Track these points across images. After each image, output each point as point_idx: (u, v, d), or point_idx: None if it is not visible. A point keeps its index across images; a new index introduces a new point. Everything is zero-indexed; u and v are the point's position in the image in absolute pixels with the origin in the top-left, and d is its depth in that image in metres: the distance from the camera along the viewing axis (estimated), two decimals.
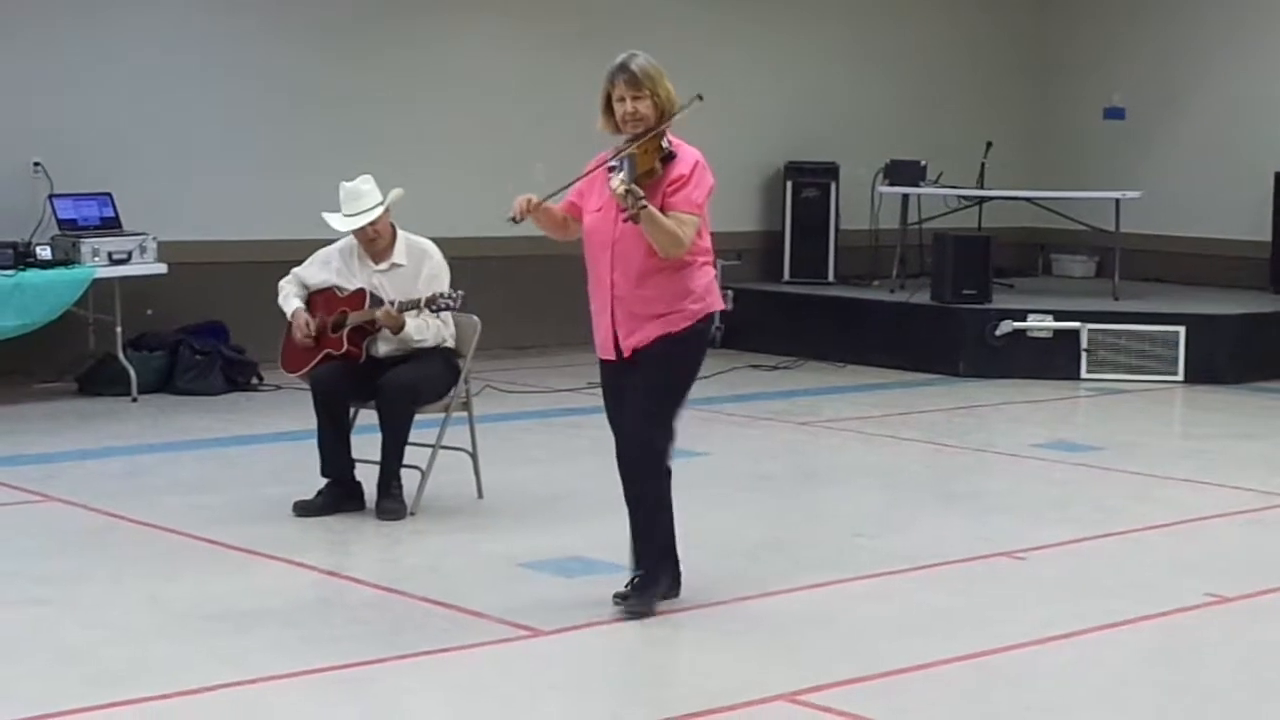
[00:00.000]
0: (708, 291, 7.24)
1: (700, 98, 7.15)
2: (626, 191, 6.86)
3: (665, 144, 7.11)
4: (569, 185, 7.44)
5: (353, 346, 8.98)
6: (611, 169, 7.08)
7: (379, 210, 8.96)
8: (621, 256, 7.14)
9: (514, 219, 7.27)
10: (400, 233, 9.18)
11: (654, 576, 7.22)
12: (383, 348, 9.03)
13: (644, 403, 7.19)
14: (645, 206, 6.89)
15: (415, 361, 9.00)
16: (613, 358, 7.27)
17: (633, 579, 7.24)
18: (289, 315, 9.16)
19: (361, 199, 8.98)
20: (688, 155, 7.17)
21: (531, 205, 7.25)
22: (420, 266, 9.09)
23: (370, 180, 9.05)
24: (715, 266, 7.41)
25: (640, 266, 7.11)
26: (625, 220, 6.96)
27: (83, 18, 13.43)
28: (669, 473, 7.26)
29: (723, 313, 8.38)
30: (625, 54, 7.19)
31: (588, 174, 7.33)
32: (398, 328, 8.89)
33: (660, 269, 7.10)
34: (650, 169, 7.05)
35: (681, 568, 7.41)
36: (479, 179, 14.91)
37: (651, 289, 7.12)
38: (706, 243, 7.26)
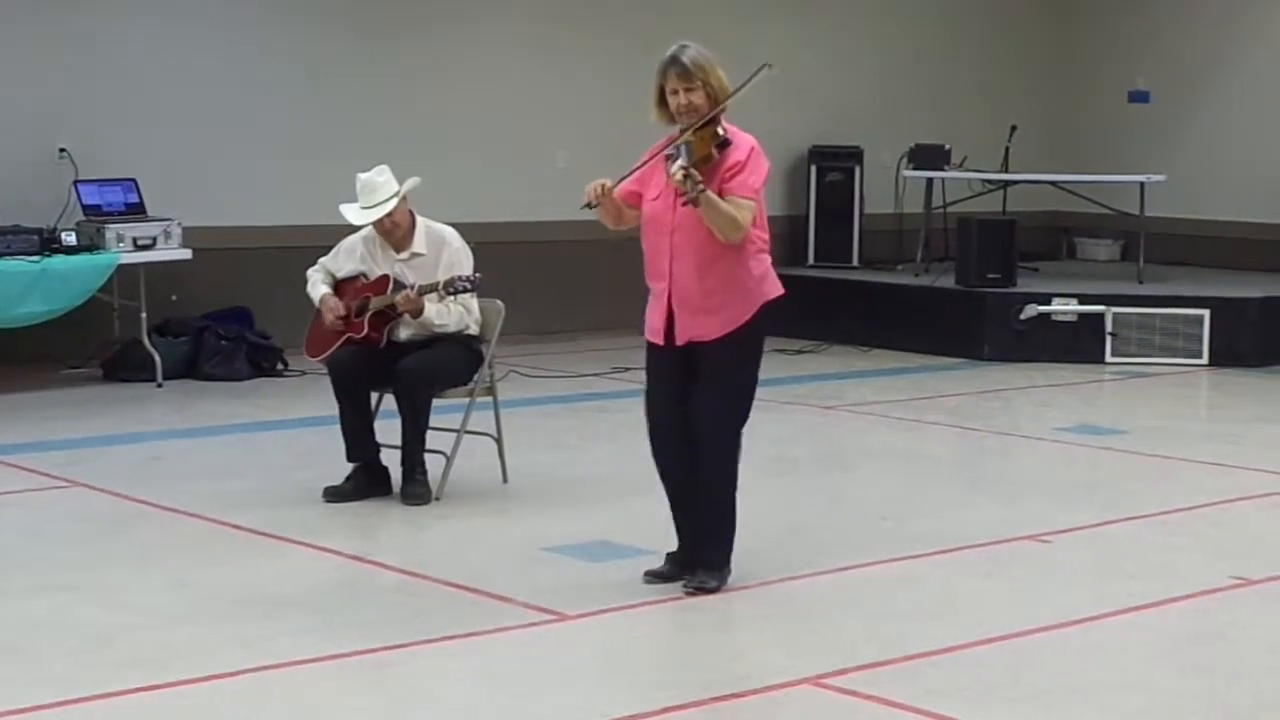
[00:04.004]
0: (764, 279, 7.30)
1: (770, 66, 7.21)
2: (685, 176, 6.92)
3: (720, 131, 7.19)
4: (636, 169, 7.44)
5: (373, 331, 8.98)
6: (669, 157, 7.14)
7: (394, 202, 8.92)
8: (680, 246, 7.20)
9: (589, 204, 7.29)
10: (420, 221, 9.16)
11: (720, 565, 7.40)
12: (404, 333, 9.03)
13: (717, 409, 7.29)
14: (704, 190, 6.95)
15: (434, 347, 9.00)
16: (661, 342, 7.32)
17: (669, 564, 7.44)
18: (316, 301, 9.16)
19: (377, 191, 8.94)
20: (743, 142, 7.25)
21: (606, 190, 7.27)
22: (440, 254, 9.08)
23: (386, 171, 9.01)
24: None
25: (699, 256, 7.17)
26: (684, 204, 7.03)
27: (107, 5, 13.45)
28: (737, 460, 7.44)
29: None
30: (676, 46, 7.26)
31: (647, 162, 7.39)
32: (417, 311, 8.88)
33: (718, 258, 7.15)
34: (707, 154, 7.12)
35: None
36: (503, 165, 14.94)
37: (711, 279, 7.18)
38: (763, 231, 7.30)
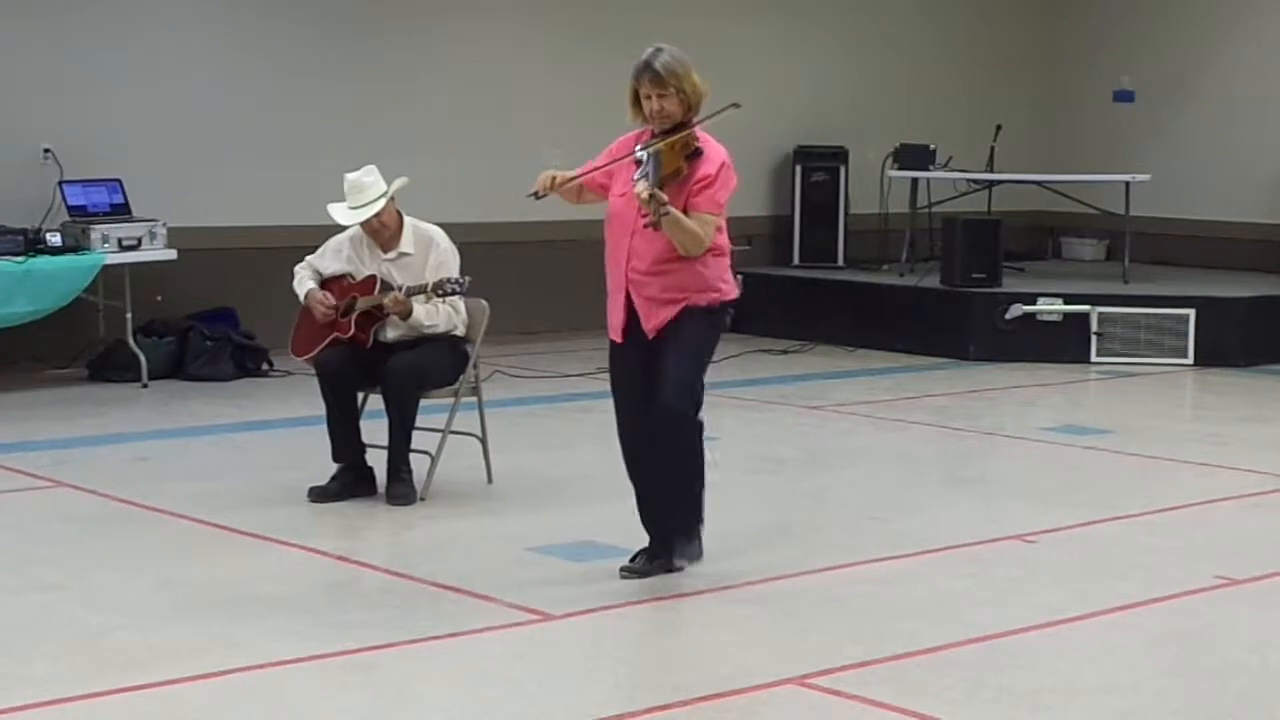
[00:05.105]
0: (722, 280, 7.35)
1: (737, 105, 7.22)
2: (650, 197, 6.93)
3: (692, 140, 7.18)
4: (604, 165, 7.48)
5: (359, 331, 8.98)
6: (637, 162, 7.13)
7: (382, 203, 8.91)
8: (638, 249, 7.25)
9: (536, 194, 7.39)
10: (408, 220, 9.16)
11: (688, 532, 7.44)
12: (391, 333, 9.03)
13: (676, 368, 7.27)
14: (668, 213, 6.96)
15: (421, 347, 9.00)
16: (620, 339, 7.37)
17: (650, 546, 7.49)
18: (302, 297, 9.14)
19: (365, 191, 8.93)
20: (715, 155, 7.25)
21: (554, 183, 7.37)
22: (428, 254, 9.07)
23: (374, 171, 9.01)
24: (731, 258, 7.48)
25: (657, 258, 7.22)
26: (646, 225, 7.03)
27: (93, 5, 13.43)
28: (700, 426, 7.39)
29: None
30: (651, 50, 7.25)
31: (618, 160, 7.40)
32: (405, 313, 8.89)
33: (675, 257, 7.19)
34: (676, 169, 7.12)
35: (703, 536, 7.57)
36: (489, 164, 14.91)
37: (670, 279, 7.24)
38: (723, 237, 7.34)
